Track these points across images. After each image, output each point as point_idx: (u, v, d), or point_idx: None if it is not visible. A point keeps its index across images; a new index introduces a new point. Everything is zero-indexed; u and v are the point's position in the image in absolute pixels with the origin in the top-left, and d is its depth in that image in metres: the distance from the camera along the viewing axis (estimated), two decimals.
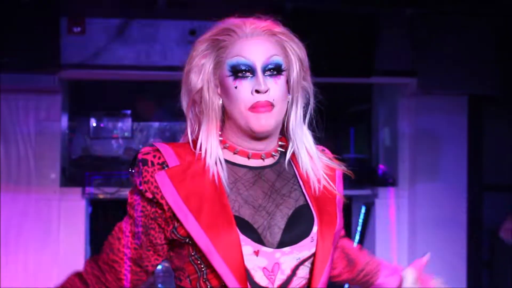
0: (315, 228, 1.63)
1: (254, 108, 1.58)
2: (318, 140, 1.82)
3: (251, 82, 1.59)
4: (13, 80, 4.93)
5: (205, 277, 1.56)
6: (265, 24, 1.65)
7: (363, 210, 5.92)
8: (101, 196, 5.40)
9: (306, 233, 1.61)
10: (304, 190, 1.69)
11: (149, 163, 1.60)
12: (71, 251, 5.21)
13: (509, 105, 5.69)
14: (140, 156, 1.61)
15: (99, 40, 5.04)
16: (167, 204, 1.57)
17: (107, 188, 5.45)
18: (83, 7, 4.88)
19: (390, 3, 4.95)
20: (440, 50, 5.32)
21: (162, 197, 1.58)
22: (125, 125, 6.24)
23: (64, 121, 5.57)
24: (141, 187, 1.59)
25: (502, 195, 5.74)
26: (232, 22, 1.65)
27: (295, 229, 1.61)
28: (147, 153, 1.61)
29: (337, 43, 5.14)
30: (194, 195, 1.57)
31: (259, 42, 1.62)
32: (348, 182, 6.21)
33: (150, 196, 1.59)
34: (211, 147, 1.61)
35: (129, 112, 6.26)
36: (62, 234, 5.21)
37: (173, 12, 5.02)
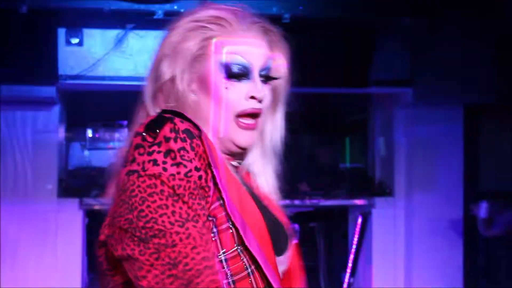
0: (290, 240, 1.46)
1: (245, 117, 1.38)
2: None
3: (246, 86, 1.38)
4: (11, 91, 4.94)
5: (233, 286, 1.28)
6: (259, 19, 1.44)
7: (359, 220, 5.92)
8: (98, 207, 5.40)
9: (289, 243, 1.45)
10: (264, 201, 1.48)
11: (196, 135, 1.27)
12: (68, 262, 5.20)
13: (506, 115, 5.71)
14: (182, 126, 1.25)
15: (97, 51, 5.05)
16: (212, 182, 1.28)
17: (104, 199, 5.45)
18: (81, 18, 4.89)
19: (387, 12, 4.97)
20: (436, 60, 5.34)
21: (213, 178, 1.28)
22: (122, 136, 6.24)
23: (61, 132, 5.58)
24: (197, 164, 1.25)
25: (499, 204, 5.75)
26: (223, 10, 1.41)
27: (283, 238, 1.44)
28: (182, 122, 1.27)
29: (333, 53, 5.16)
30: (228, 176, 1.32)
31: (257, 41, 1.41)
32: (345, 192, 6.19)
33: (204, 175, 1.27)
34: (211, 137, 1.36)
35: (126, 123, 6.26)
36: (59, 245, 5.21)
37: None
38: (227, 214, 1.28)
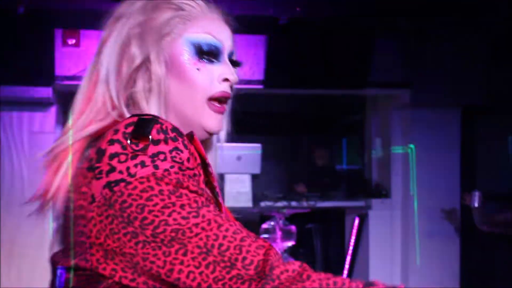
0: None
1: (215, 101, 1.27)
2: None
3: (217, 68, 1.27)
4: (7, 92, 4.94)
5: None
6: (219, 7, 1.34)
7: (356, 221, 5.93)
8: None
9: None
10: None
11: (183, 133, 1.14)
12: None
13: (502, 116, 5.72)
14: (169, 125, 1.12)
15: (93, 52, 5.04)
16: (204, 185, 1.17)
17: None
18: (78, 19, 4.89)
19: (384, 15, 4.97)
20: (433, 62, 5.35)
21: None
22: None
23: (58, 133, 5.56)
24: (190, 164, 1.11)
25: (496, 205, 5.76)
26: None
27: None
28: (165, 120, 1.14)
29: (331, 55, 5.17)
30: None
31: (224, 24, 1.32)
32: (342, 193, 6.16)
33: (198, 174, 1.14)
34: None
35: None
36: (55, 246, 5.20)
37: None
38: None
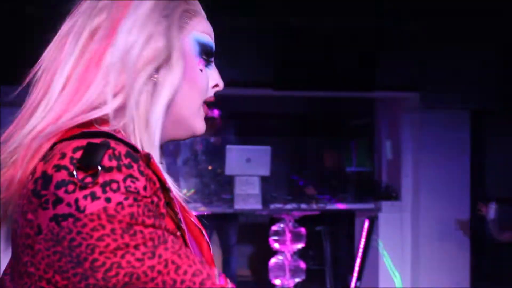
0: None
1: (205, 105, 1.20)
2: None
3: (210, 72, 1.19)
4: (11, 92, 4.96)
5: None
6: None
7: (366, 224, 5.93)
8: None
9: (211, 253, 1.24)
10: None
11: (138, 156, 1.00)
12: None
13: (511, 119, 5.71)
14: (122, 149, 0.98)
15: None
16: (165, 209, 1.04)
17: None
18: None
19: (393, 17, 4.98)
20: (442, 65, 5.35)
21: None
22: None
23: None
24: (146, 193, 0.98)
25: (505, 208, 5.75)
26: None
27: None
28: (118, 144, 1.00)
29: (340, 57, 5.17)
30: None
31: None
32: (351, 196, 6.13)
33: (156, 199, 1.01)
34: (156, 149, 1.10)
35: None
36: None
37: None
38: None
